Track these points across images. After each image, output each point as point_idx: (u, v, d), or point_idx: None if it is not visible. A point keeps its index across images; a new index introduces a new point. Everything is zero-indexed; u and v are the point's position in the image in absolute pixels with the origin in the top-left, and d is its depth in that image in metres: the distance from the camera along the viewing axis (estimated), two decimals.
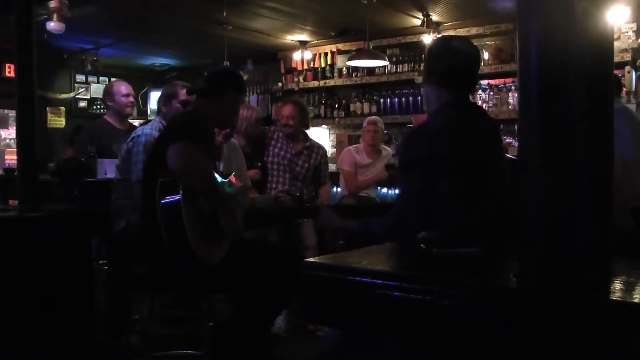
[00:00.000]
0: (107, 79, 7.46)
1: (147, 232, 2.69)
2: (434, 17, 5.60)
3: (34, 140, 3.09)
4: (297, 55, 6.91)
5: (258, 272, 2.74)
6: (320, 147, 4.54)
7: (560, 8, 1.26)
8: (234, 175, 2.96)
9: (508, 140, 5.67)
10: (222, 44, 6.06)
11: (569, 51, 1.25)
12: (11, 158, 5.42)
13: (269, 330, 3.13)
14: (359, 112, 6.67)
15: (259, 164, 4.32)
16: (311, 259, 1.42)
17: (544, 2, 1.28)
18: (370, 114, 6.15)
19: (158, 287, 2.86)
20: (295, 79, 7.13)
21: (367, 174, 4.85)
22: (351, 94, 6.87)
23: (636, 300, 1.06)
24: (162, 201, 2.51)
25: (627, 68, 5.00)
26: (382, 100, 6.56)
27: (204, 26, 5.82)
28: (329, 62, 6.92)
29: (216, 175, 2.77)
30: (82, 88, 7.81)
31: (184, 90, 3.48)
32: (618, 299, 1.11)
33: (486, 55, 5.92)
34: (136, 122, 5.77)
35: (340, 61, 6.82)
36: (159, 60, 7.80)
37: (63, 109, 7.54)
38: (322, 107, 6.96)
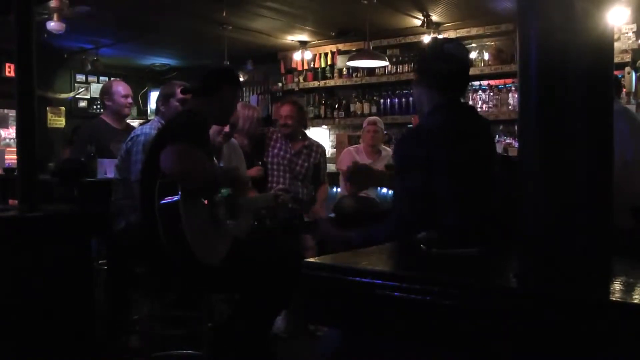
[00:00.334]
0: (107, 79, 7.45)
1: (146, 233, 2.69)
2: (434, 18, 5.60)
3: (34, 140, 3.09)
4: (297, 56, 6.91)
5: (258, 273, 2.74)
6: (319, 146, 4.54)
7: (560, 9, 1.26)
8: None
9: (508, 141, 5.68)
10: (222, 44, 6.06)
11: (569, 52, 1.25)
12: (11, 158, 5.42)
13: (269, 330, 3.13)
14: (359, 113, 6.68)
15: (259, 163, 4.32)
16: (311, 259, 1.42)
17: (544, 2, 1.28)
18: (370, 115, 6.16)
19: (158, 288, 2.86)
20: (296, 79, 7.14)
21: None
22: (351, 94, 6.87)
23: (636, 301, 1.06)
24: (161, 202, 2.52)
25: (627, 69, 5.01)
26: (382, 100, 6.57)
27: (204, 26, 5.83)
28: (329, 63, 6.93)
29: None
30: (82, 88, 7.81)
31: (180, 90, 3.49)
32: (618, 299, 1.11)
33: (486, 56, 5.93)
34: (136, 122, 5.78)
35: (340, 61, 6.82)
36: (159, 60, 7.80)
37: (63, 108, 7.54)
38: (322, 107, 6.96)
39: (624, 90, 4.93)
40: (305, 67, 7.04)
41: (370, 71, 6.58)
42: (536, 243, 1.28)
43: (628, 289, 1.17)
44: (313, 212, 4.23)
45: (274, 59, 7.27)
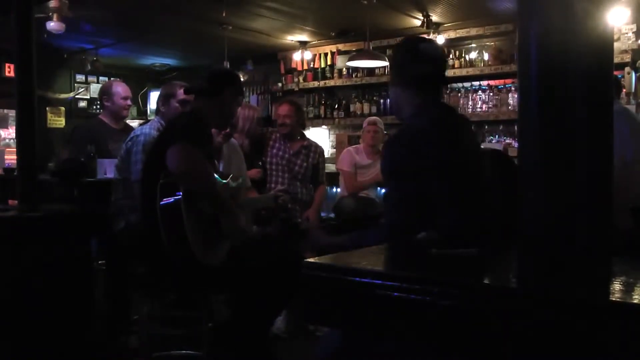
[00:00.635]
0: (107, 79, 7.46)
1: (147, 233, 2.69)
2: (434, 18, 5.60)
3: (33, 140, 3.09)
4: (297, 56, 6.91)
5: (258, 273, 2.74)
6: (317, 146, 4.54)
7: (560, 9, 1.26)
8: (232, 177, 2.96)
9: (508, 141, 5.68)
10: (222, 44, 6.06)
11: (569, 52, 1.25)
12: (11, 158, 5.43)
13: (269, 330, 3.13)
14: (358, 113, 6.68)
15: (259, 163, 4.33)
16: (311, 260, 1.42)
17: (544, 2, 1.28)
18: (370, 115, 6.16)
19: (158, 288, 2.86)
20: (295, 79, 7.14)
21: (367, 175, 4.85)
22: (351, 94, 6.87)
23: (636, 301, 1.06)
24: (162, 202, 2.52)
25: (627, 69, 5.01)
26: (382, 100, 6.56)
27: (204, 26, 5.83)
28: (329, 63, 6.93)
29: (216, 176, 2.78)
30: (82, 88, 7.81)
31: (182, 90, 3.49)
32: (618, 299, 1.11)
33: (486, 56, 5.93)
34: (136, 122, 5.77)
35: (340, 61, 6.82)
36: (159, 61, 7.80)
37: (63, 109, 7.54)
38: (322, 107, 6.97)
39: (624, 90, 4.93)
40: (305, 67, 7.04)
41: (370, 71, 6.58)
42: (536, 243, 1.28)
43: (628, 289, 1.17)
44: (305, 216, 4.22)
45: (273, 59, 7.27)
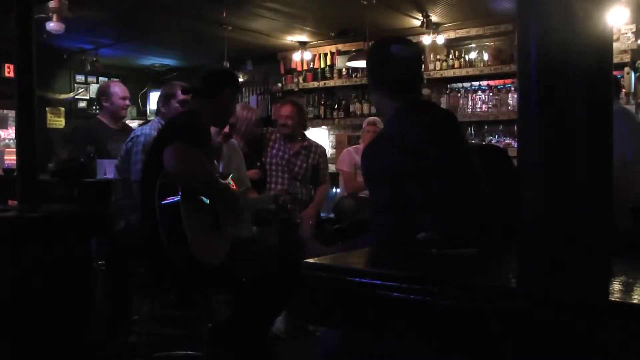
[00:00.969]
0: (106, 79, 7.45)
1: (147, 233, 2.69)
2: (434, 18, 5.60)
3: (33, 141, 3.09)
4: (296, 56, 6.91)
5: (258, 273, 2.74)
6: (318, 147, 4.53)
7: (559, 9, 1.26)
8: (232, 177, 2.96)
9: (507, 141, 5.68)
10: (222, 44, 6.06)
11: (569, 52, 1.25)
12: (10, 158, 5.42)
13: (269, 331, 3.13)
14: (358, 113, 6.68)
15: (258, 164, 4.32)
16: (311, 260, 1.42)
17: (544, 3, 1.28)
18: (369, 115, 6.15)
19: (158, 288, 2.86)
20: (295, 80, 7.14)
21: None
22: (351, 94, 6.87)
23: (635, 301, 1.07)
24: (162, 202, 2.52)
25: (627, 69, 5.01)
26: None
27: (204, 26, 5.83)
28: (328, 63, 6.93)
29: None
30: (82, 88, 7.80)
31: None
32: (617, 299, 1.11)
33: (486, 56, 5.93)
34: (135, 123, 5.77)
35: (339, 62, 6.82)
36: (158, 61, 7.80)
37: (63, 109, 7.54)
38: (322, 107, 6.97)
39: (623, 90, 4.93)
40: (305, 67, 7.04)
41: None
42: (536, 243, 1.28)
43: (628, 289, 1.17)
44: (302, 216, 4.21)
45: (273, 59, 7.27)
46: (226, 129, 3.55)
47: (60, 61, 7.35)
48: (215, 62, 6.60)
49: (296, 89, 7.12)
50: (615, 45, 4.97)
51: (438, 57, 6.14)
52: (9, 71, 6.66)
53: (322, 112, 6.96)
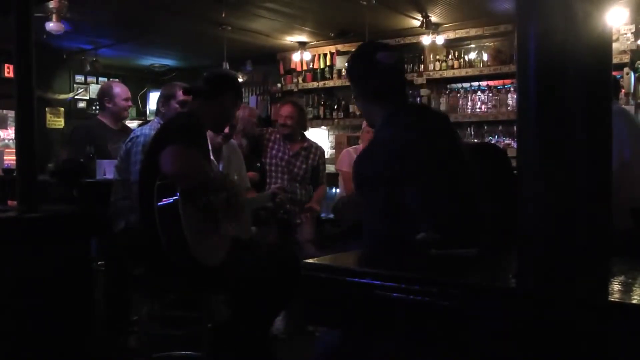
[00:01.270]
0: (106, 79, 7.45)
1: (146, 233, 2.69)
2: (433, 19, 5.60)
3: (33, 141, 3.09)
4: (296, 56, 6.90)
5: (257, 273, 2.74)
6: (318, 148, 4.53)
7: (559, 9, 1.26)
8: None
9: (507, 142, 5.68)
10: (222, 44, 6.06)
11: (568, 52, 1.25)
12: (10, 159, 5.42)
13: (268, 331, 3.13)
14: (358, 113, 6.66)
15: (258, 164, 4.32)
16: (310, 260, 1.42)
17: (543, 3, 1.28)
18: None
19: (157, 288, 2.86)
20: (295, 80, 7.13)
21: None
22: (350, 95, 6.82)
23: (634, 301, 1.07)
24: (160, 203, 2.51)
25: (626, 69, 5.00)
26: None
27: (204, 27, 5.82)
28: (328, 63, 6.92)
29: None
30: (81, 89, 7.80)
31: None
32: (617, 299, 1.11)
33: (485, 57, 5.93)
34: (135, 123, 5.77)
35: (339, 62, 6.82)
36: (158, 61, 7.79)
37: (62, 109, 7.53)
38: (321, 108, 6.96)
39: (623, 91, 4.93)
40: (305, 67, 7.03)
41: None
42: (536, 243, 1.29)
43: (627, 290, 1.18)
44: (307, 207, 4.22)
45: (273, 59, 7.26)
46: (226, 130, 3.54)
47: (60, 61, 7.35)
48: (215, 63, 6.60)
49: (296, 90, 7.11)
50: (615, 45, 4.97)
51: (437, 57, 6.14)
52: (9, 71, 6.65)
53: (321, 112, 6.96)
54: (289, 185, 4.24)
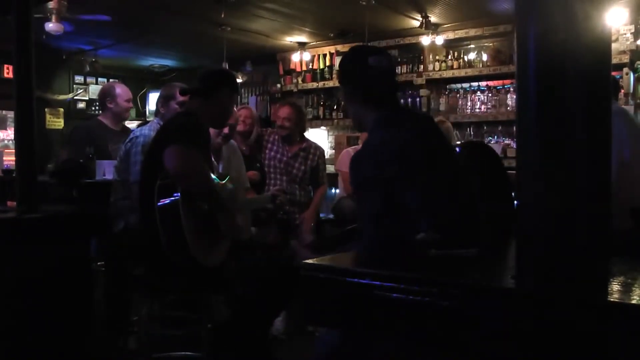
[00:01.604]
0: (105, 80, 7.45)
1: (146, 233, 2.69)
2: (433, 19, 5.60)
3: (32, 142, 3.09)
4: (295, 57, 6.91)
5: (257, 274, 2.74)
6: (317, 148, 4.52)
7: (558, 9, 1.26)
8: (228, 179, 2.96)
9: (506, 142, 5.69)
10: (221, 45, 6.06)
11: (567, 52, 1.25)
12: (9, 159, 5.41)
13: (268, 331, 3.13)
14: None
15: (258, 165, 4.32)
16: (310, 261, 1.42)
17: (543, 3, 1.28)
18: None
19: (157, 288, 2.86)
20: (294, 80, 7.14)
21: None
22: None
23: (634, 302, 1.07)
24: (160, 203, 2.52)
25: (625, 70, 5.01)
26: None
27: (203, 27, 5.82)
28: (327, 64, 6.92)
29: (213, 176, 2.78)
30: (81, 89, 7.80)
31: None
32: (616, 300, 1.11)
33: (484, 57, 5.93)
34: (134, 124, 5.76)
35: (339, 63, 6.81)
36: (157, 62, 7.79)
37: (62, 110, 7.53)
38: (321, 108, 6.96)
39: (622, 91, 4.94)
40: (304, 68, 7.03)
41: None
42: (536, 243, 1.29)
43: (626, 290, 1.18)
44: (301, 218, 4.20)
45: (272, 60, 7.27)
46: (226, 130, 3.55)
47: (59, 62, 7.35)
48: (215, 63, 6.59)
49: (295, 90, 7.12)
50: (614, 45, 4.97)
51: (437, 57, 6.14)
52: (8, 72, 6.65)
53: (321, 112, 6.96)
54: (288, 187, 4.23)
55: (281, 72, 7.27)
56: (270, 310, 2.89)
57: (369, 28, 5.47)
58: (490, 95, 5.90)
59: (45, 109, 7.27)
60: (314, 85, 7.00)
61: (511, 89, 5.75)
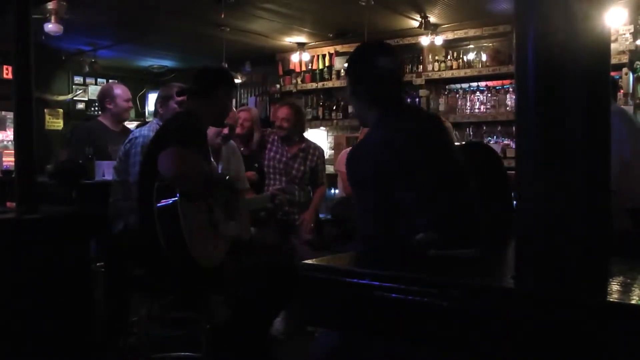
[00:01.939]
0: (105, 81, 7.45)
1: (145, 234, 2.69)
2: (432, 19, 5.61)
3: (31, 142, 3.09)
4: (295, 57, 6.91)
5: (256, 274, 2.74)
6: (317, 148, 4.51)
7: (557, 10, 1.26)
8: (227, 179, 2.96)
9: (506, 142, 5.69)
10: (220, 45, 6.06)
11: (566, 53, 1.25)
12: (9, 160, 5.42)
13: (268, 332, 3.13)
14: None
15: (256, 165, 4.31)
16: (309, 261, 1.42)
17: (542, 3, 1.28)
18: None
19: (156, 289, 2.86)
20: (294, 81, 7.14)
21: None
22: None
23: (633, 302, 1.07)
24: (159, 204, 2.51)
25: (625, 70, 5.01)
26: None
27: (202, 28, 5.83)
28: (327, 64, 6.92)
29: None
30: (80, 90, 7.80)
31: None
32: (616, 300, 1.11)
33: (484, 57, 5.94)
34: (133, 124, 5.76)
35: (338, 63, 6.82)
36: (157, 62, 7.80)
37: (61, 110, 7.53)
38: (320, 108, 6.96)
39: (621, 91, 4.94)
40: (304, 68, 7.03)
41: None
42: (535, 244, 1.29)
43: (626, 290, 1.18)
44: (301, 219, 4.19)
45: (272, 60, 7.27)
46: (225, 131, 3.54)
47: (59, 62, 7.34)
48: (210, 63, 6.59)
49: (295, 90, 7.12)
50: (613, 46, 4.97)
51: (436, 58, 6.15)
52: (7, 73, 6.65)
53: (320, 113, 6.96)
54: (288, 187, 4.23)
55: (280, 72, 7.27)
56: (270, 310, 2.88)
57: (368, 28, 5.47)
58: (489, 95, 5.91)
59: (45, 110, 7.27)
60: (313, 85, 7.00)
61: (510, 89, 5.75)
